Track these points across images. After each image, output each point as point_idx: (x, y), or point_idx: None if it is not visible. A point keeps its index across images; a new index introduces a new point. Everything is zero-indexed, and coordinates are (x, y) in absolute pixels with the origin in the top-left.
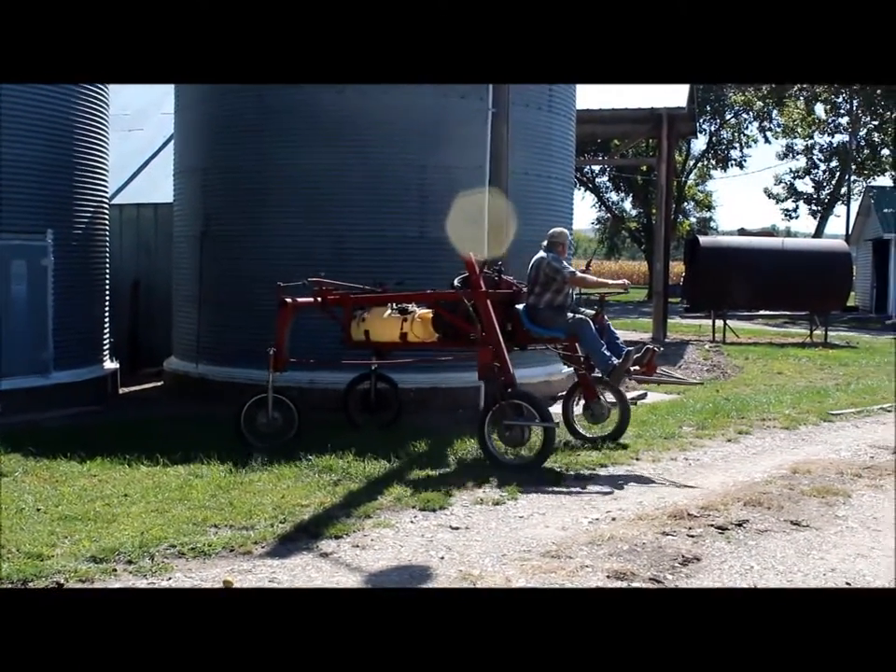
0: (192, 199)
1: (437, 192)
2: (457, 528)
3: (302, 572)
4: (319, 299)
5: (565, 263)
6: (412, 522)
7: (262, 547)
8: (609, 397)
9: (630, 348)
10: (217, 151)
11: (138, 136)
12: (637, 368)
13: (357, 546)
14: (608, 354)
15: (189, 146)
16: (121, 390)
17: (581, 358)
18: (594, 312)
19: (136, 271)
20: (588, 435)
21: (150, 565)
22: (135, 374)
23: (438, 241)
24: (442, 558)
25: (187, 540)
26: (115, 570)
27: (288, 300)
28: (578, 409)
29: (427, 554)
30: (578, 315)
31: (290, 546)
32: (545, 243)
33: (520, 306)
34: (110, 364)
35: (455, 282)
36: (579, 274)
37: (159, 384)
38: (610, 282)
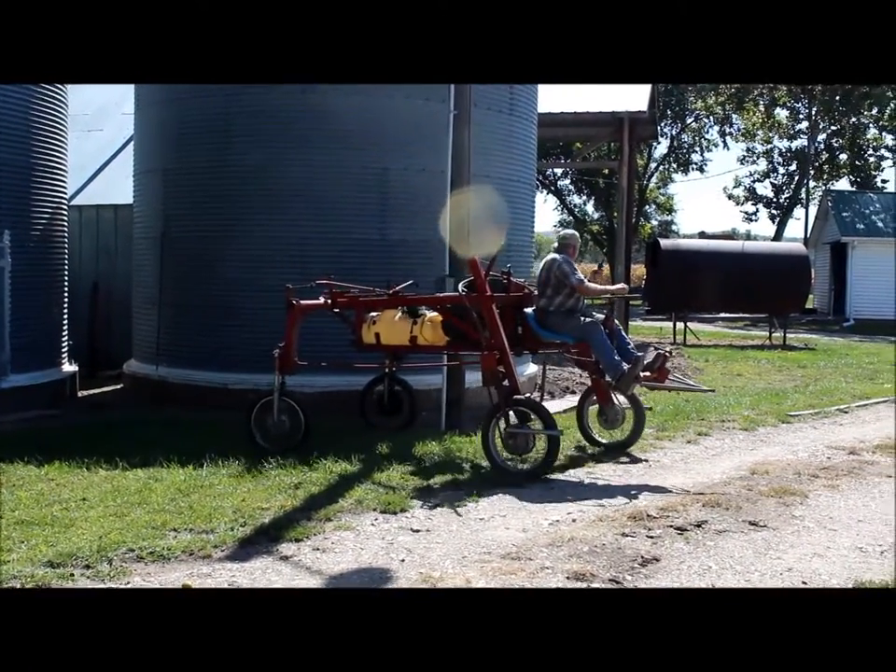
0: (153, 200)
1: (398, 195)
2: (418, 531)
3: (262, 575)
4: (329, 301)
5: (575, 267)
6: (372, 524)
7: (222, 551)
8: (625, 401)
9: (640, 354)
10: (178, 152)
11: (98, 137)
12: (647, 374)
13: (318, 549)
14: (617, 359)
15: (150, 146)
16: (80, 393)
17: (595, 363)
18: (604, 316)
19: (96, 272)
20: (603, 441)
21: (108, 569)
22: (95, 377)
23: (400, 243)
24: (403, 561)
25: (146, 544)
26: (72, 575)
27: (296, 302)
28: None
29: (387, 557)
30: (588, 319)
31: (250, 549)
32: (555, 245)
33: (529, 310)
34: (69, 367)
35: (461, 286)
36: (585, 283)
37: (118, 387)
38: (611, 287)
